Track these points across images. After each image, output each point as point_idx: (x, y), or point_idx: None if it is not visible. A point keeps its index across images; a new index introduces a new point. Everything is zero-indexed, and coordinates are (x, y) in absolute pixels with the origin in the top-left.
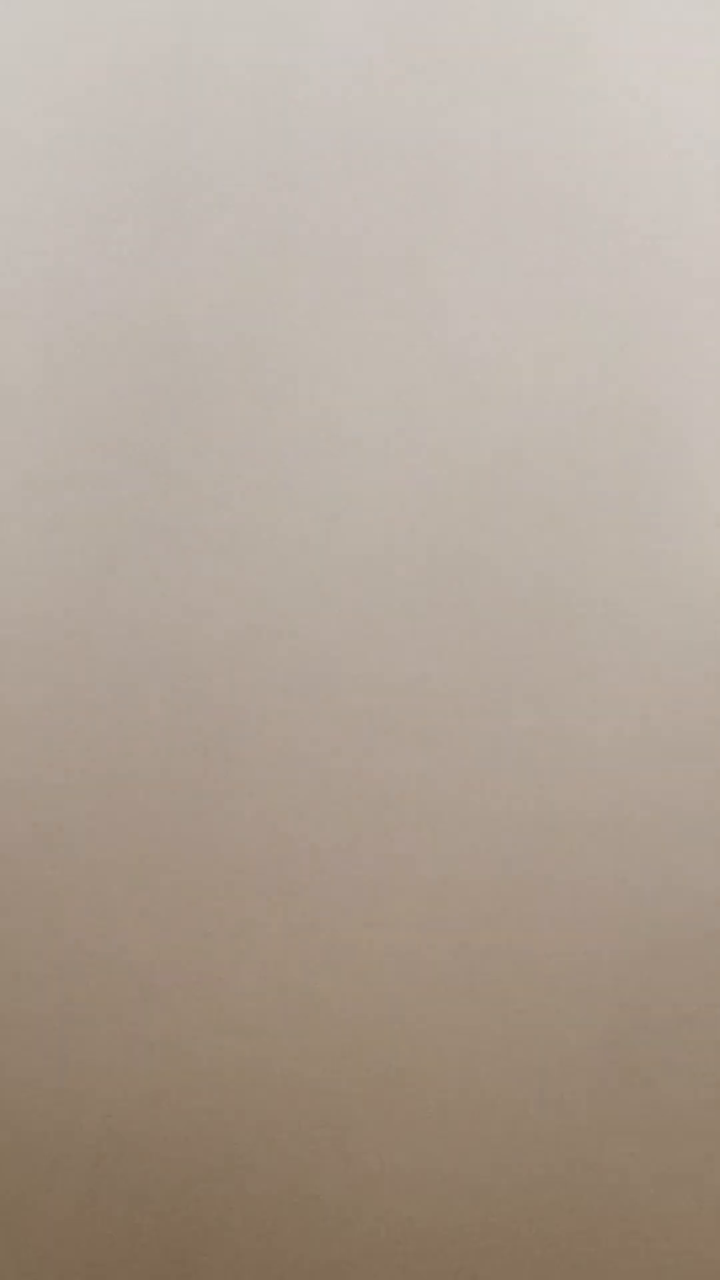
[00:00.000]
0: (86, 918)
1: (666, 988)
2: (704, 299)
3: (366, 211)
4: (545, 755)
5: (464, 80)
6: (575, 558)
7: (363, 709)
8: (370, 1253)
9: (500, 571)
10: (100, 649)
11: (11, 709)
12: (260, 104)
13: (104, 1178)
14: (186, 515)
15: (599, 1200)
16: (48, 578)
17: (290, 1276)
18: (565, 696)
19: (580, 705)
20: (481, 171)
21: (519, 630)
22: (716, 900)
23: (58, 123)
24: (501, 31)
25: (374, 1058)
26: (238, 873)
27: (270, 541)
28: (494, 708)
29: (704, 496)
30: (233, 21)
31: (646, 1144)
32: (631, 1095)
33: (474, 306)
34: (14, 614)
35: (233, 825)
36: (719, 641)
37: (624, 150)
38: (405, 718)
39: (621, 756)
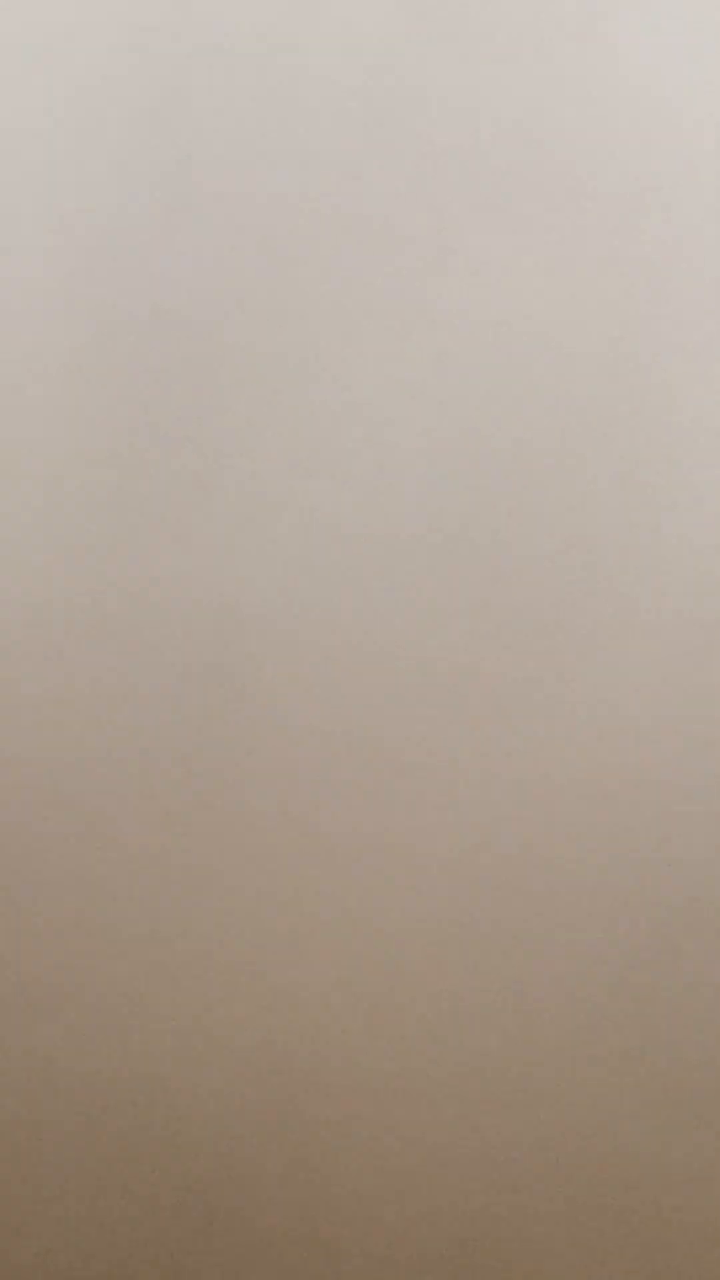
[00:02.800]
0: (93, 831)
1: (665, 959)
2: (703, 272)
3: (373, 183)
4: (545, 707)
5: (471, 47)
6: (575, 527)
7: (366, 666)
8: (372, 1176)
9: (501, 534)
10: (110, 601)
11: (21, 635)
12: (265, 74)
13: (100, 1080)
14: (198, 475)
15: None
16: (60, 537)
17: (293, 1206)
18: (566, 663)
19: (580, 673)
20: (486, 140)
21: (516, 602)
22: (714, 866)
23: (64, 96)
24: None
25: (374, 1037)
26: (241, 802)
27: (278, 503)
28: (497, 673)
29: (702, 471)
30: None
31: (649, 1103)
32: (631, 1062)
33: (478, 278)
34: (27, 560)
35: (237, 754)
36: (711, 615)
37: (629, 124)
38: (408, 677)
39: (619, 720)
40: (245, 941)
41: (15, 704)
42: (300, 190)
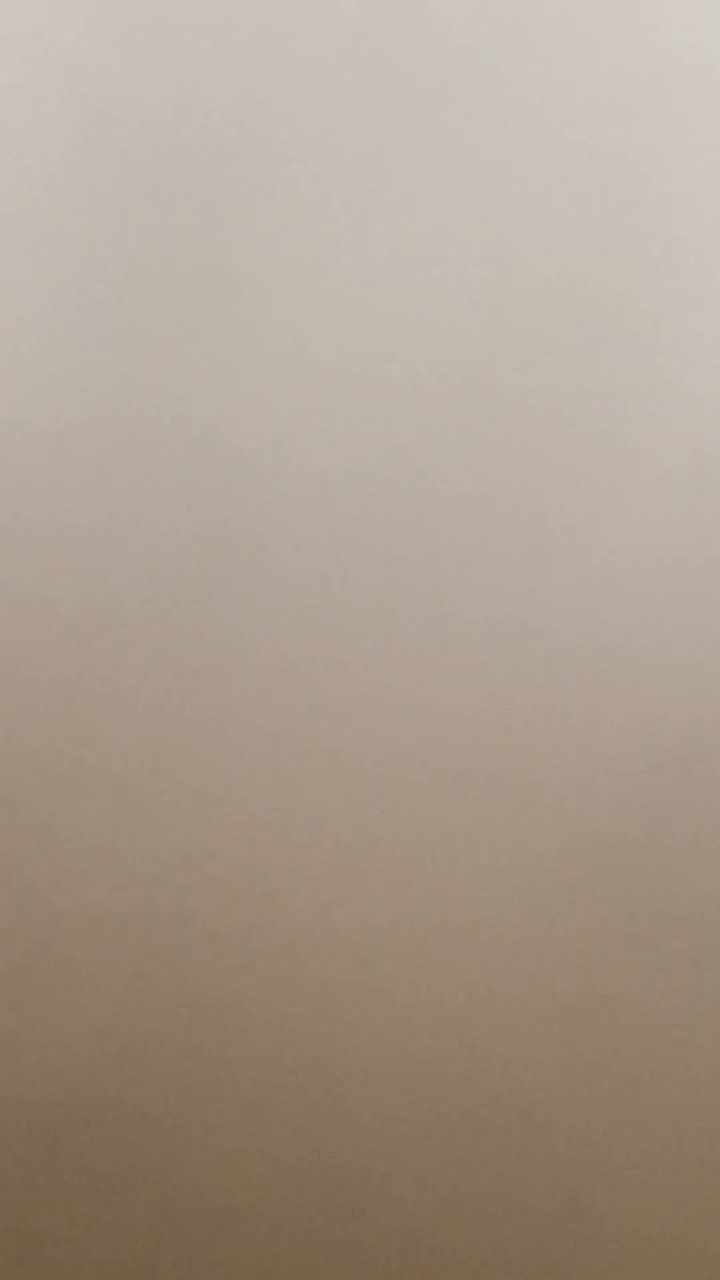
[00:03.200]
0: (88, 729)
1: (665, 807)
2: (701, 136)
3: (368, 52)
4: (543, 573)
5: None
6: (573, 381)
7: (364, 522)
8: (369, 1078)
9: (501, 394)
10: (111, 456)
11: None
12: None
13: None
14: (199, 308)
15: (596, 1017)
16: (69, 376)
17: (288, 1100)
18: (563, 518)
19: (578, 529)
20: (484, 22)
21: (519, 449)
22: (713, 719)
23: None
24: None
25: (372, 881)
26: (237, 692)
27: (280, 336)
28: (494, 523)
29: (698, 324)
30: None
31: (644, 958)
32: (630, 916)
33: (476, 139)
34: (34, 405)
35: (236, 632)
36: (712, 463)
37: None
38: (408, 530)
39: (618, 577)
40: (245, 771)
41: (15, 533)
42: (300, 64)
